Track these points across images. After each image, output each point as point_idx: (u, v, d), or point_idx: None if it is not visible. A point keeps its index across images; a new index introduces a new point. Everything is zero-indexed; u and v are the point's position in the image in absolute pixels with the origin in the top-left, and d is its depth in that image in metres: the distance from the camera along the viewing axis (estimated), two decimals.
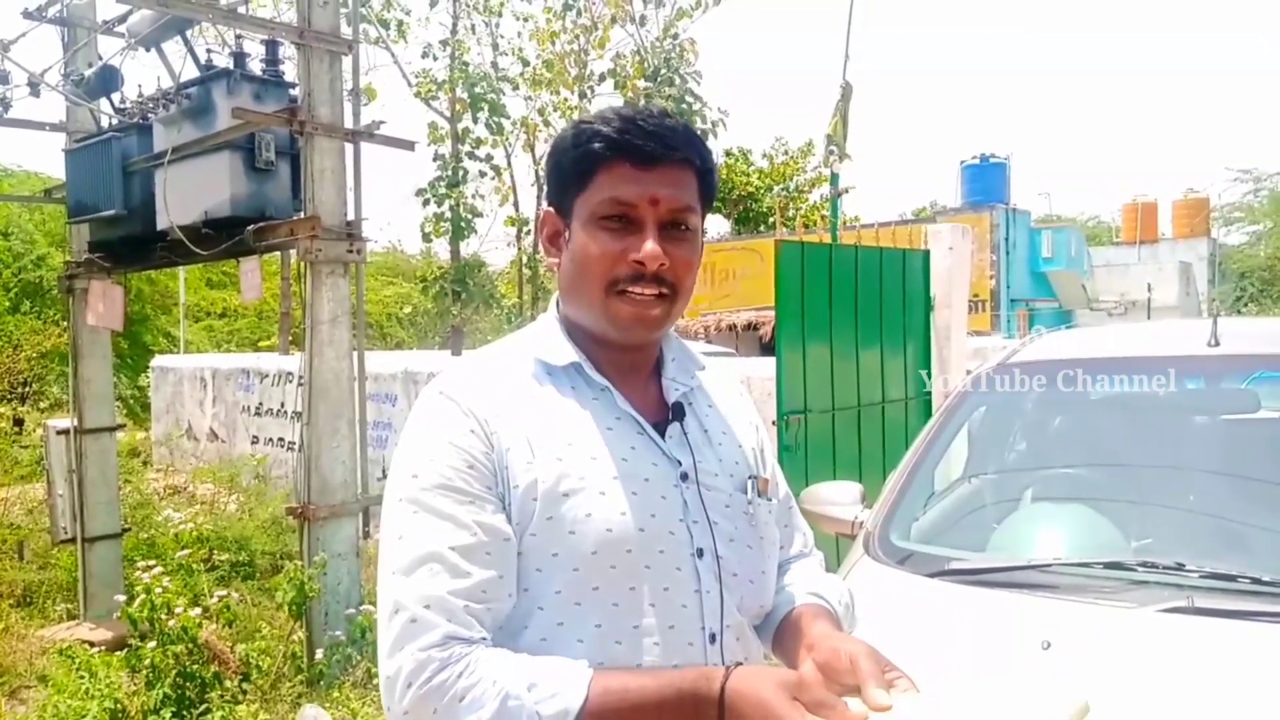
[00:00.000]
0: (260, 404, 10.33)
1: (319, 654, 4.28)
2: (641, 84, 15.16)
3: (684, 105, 15.02)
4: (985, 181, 19.32)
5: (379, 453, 8.24)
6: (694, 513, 1.20)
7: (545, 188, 1.28)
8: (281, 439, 9.74)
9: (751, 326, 15.97)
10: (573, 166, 1.20)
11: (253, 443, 10.25)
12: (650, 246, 1.16)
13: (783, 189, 25.21)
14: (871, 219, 9.53)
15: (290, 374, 9.45)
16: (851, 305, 5.58)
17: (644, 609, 1.14)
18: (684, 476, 1.21)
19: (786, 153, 25.57)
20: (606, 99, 15.85)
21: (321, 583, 4.36)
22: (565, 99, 15.73)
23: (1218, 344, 2.51)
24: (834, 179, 6.82)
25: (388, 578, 1.11)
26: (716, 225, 26.45)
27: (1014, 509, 2.46)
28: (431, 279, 13.42)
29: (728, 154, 25.02)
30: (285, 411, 9.77)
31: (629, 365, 1.26)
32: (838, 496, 2.64)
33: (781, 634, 1.27)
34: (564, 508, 1.13)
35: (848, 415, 5.61)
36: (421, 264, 18.46)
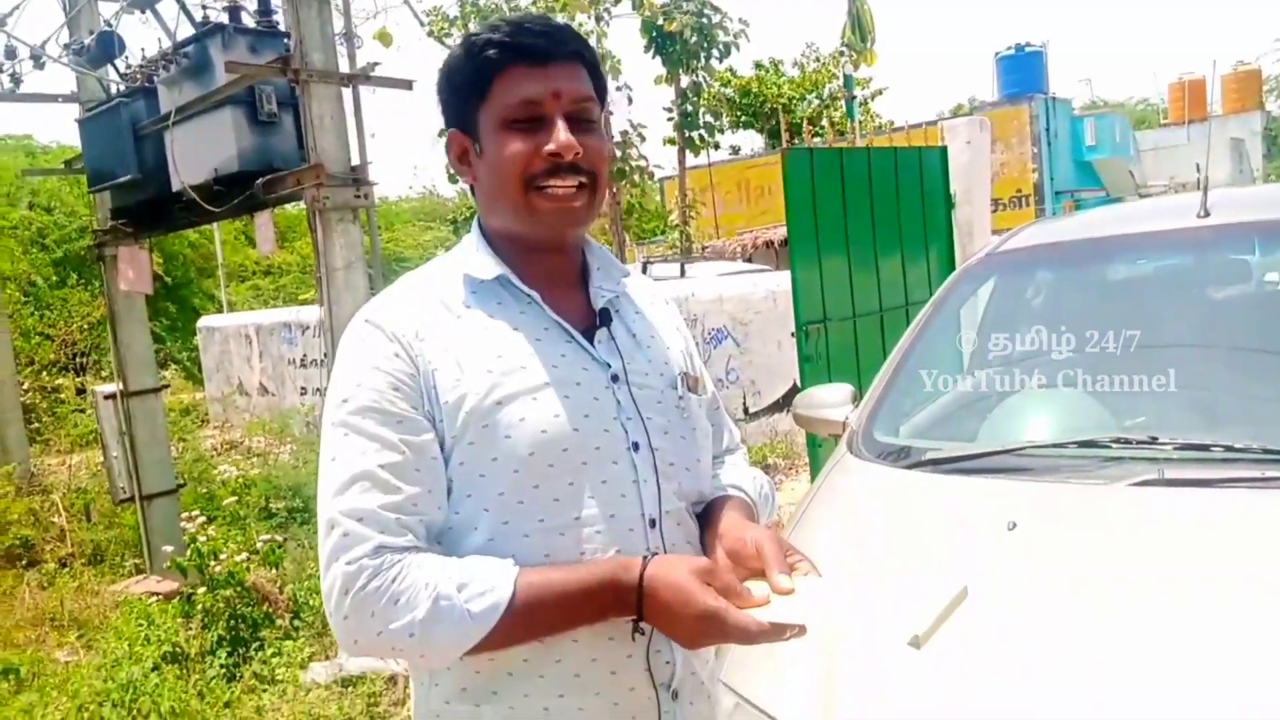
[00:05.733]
0: (305, 355, 10.58)
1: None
2: (659, 1, 14.83)
3: (704, 19, 14.70)
4: (1022, 72, 18.68)
5: None
6: (627, 410, 1.25)
7: (443, 110, 1.29)
8: (325, 389, 9.98)
9: (787, 242, 15.82)
10: (470, 79, 1.22)
11: (301, 394, 10.52)
12: (564, 136, 1.19)
13: (816, 96, 24.61)
14: (907, 121, 9.32)
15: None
16: (867, 210, 5.50)
17: (584, 501, 1.19)
18: (614, 378, 1.26)
19: (818, 59, 24.86)
20: (623, 21, 15.60)
21: None
22: (582, 24, 15.48)
23: (1208, 214, 2.45)
24: (848, 82, 6.68)
25: (324, 498, 1.17)
26: (751, 141, 26.02)
27: (1004, 399, 2.46)
28: (463, 220, 13.45)
29: (758, 66, 24.43)
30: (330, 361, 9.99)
31: (555, 274, 1.29)
32: (829, 398, 2.66)
33: (700, 524, 1.32)
34: (498, 415, 1.18)
35: (870, 321, 5.58)
36: (455, 206, 18.51)
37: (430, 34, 13.40)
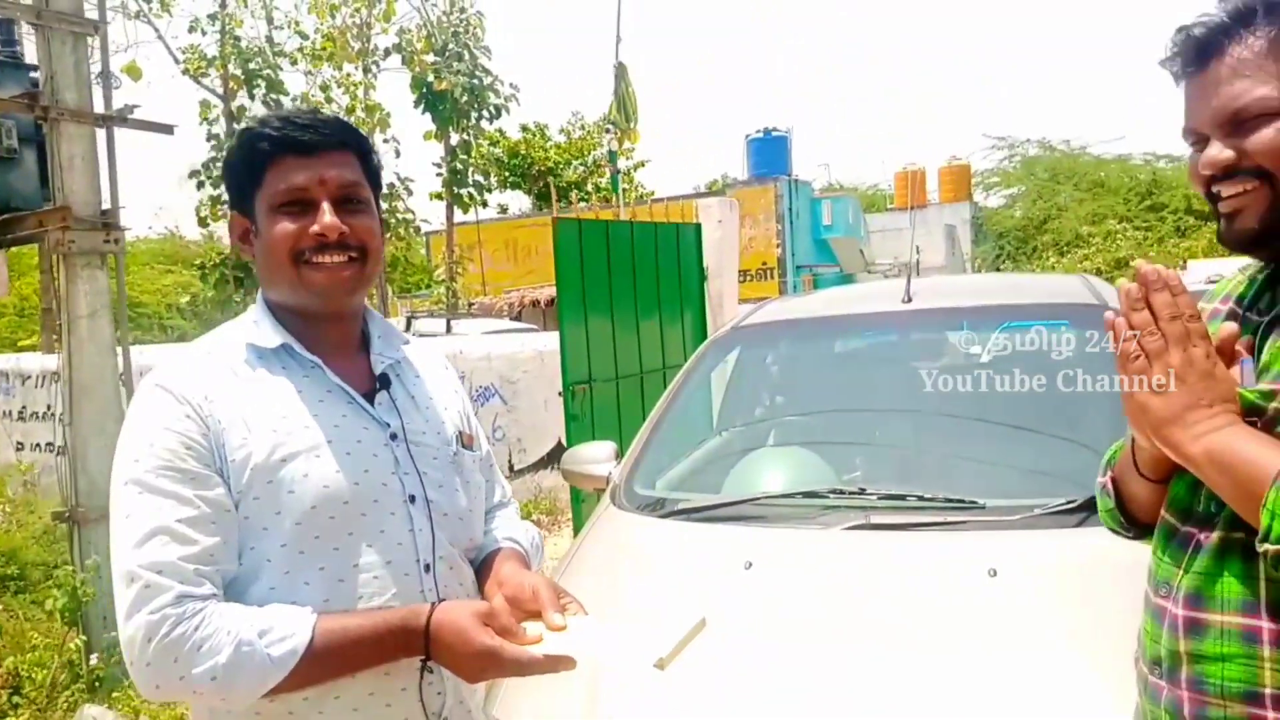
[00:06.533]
0: (24, 408, 9.59)
1: (95, 659, 4.15)
2: (430, 59, 14.92)
3: (475, 81, 14.95)
4: (769, 154, 20.31)
5: None
6: (405, 466, 1.38)
7: (227, 193, 1.41)
8: (50, 444, 9.09)
9: (555, 302, 16.18)
10: (245, 168, 1.35)
11: (18, 449, 9.51)
12: (328, 219, 1.32)
13: (581, 163, 25.49)
14: (667, 191, 9.99)
15: (55, 374, 8.82)
16: (630, 279, 5.87)
17: (362, 550, 1.31)
18: (394, 436, 1.39)
19: (584, 127, 25.81)
20: (393, 75, 15.54)
21: (96, 586, 4.22)
22: (349, 74, 15.29)
23: (910, 300, 2.91)
24: (612, 157, 7.10)
25: (121, 553, 1.22)
26: (518, 202, 26.46)
27: (744, 455, 2.78)
28: (211, 265, 12.76)
29: (524, 129, 24.99)
30: (52, 414, 9.12)
31: (336, 342, 1.41)
32: (594, 455, 2.88)
33: (480, 574, 1.48)
34: (282, 472, 1.28)
35: (631, 382, 5.92)
36: (203, 250, 17.50)
37: (185, 72, 12.80)
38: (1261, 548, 1.02)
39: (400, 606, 1.30)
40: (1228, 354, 1.14)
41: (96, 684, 4.10)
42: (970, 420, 2.46)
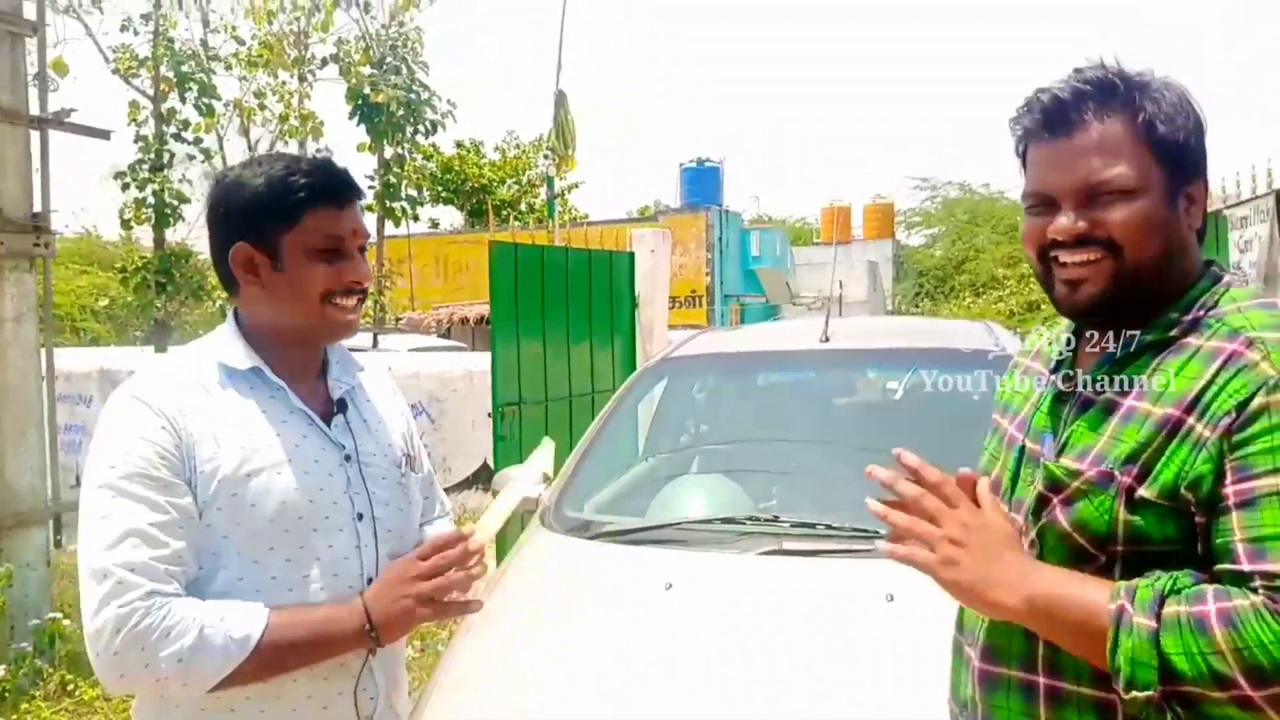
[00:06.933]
0: None
1: (1, 670, 4.08)
2: (367, 71, 14.88)
3: (412, 95, 14.95)
4: (701, 184, 20.67)
5: (72, 458, 7.67)
6: (355, 485, 1.51)
7: (227, 225, 1.49)
8: None
9: (485, 320, 16.18)
10: (275, 208, 1.46)
11: None
12: (364, 268, 1.51)
13: (515, 181, 25.57)
14: (601, 214, 10.15)
15: None
16: (563, 304, 5.99)
17: (311, 562, 1.44)
18: (347, 458, 1.52)
19: (519, 146, 25.92)
20: (329, 85, 15.45)
21: (7, 595, 4.15)
22: (284, 82, 15.16)
23: (828, 340, 3.11)
24: (549, 183, 7.23)
25: (94, 552, 1.32)
26: (450, 217, 26.39)
27: (668, 481, 2.93)
28: (133, 269, 12.47)
29: (459, 145, 24.99)
30: None
31: (301, 366, 1.54)
32: (523, 476, 2.99)
33: None
34: (246, 486, 1.39)
35: (560, 405, 6.03)
36: (121, 252, 17.05)
37: (115, 71, 12.55)
38: (1128, 695, 1.03)
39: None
40: (969, 488, 1.21)
41: (4, 695, 4.03)
42: (878, 453, 2.65)
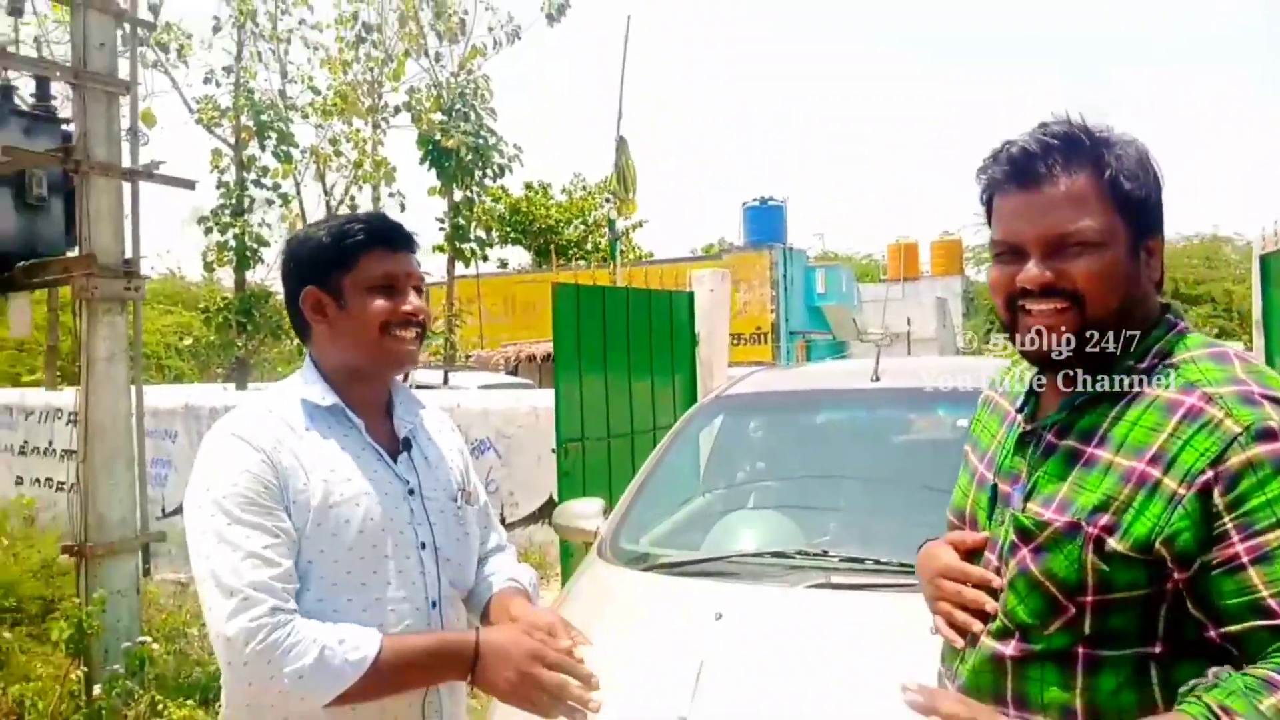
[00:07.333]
0: (25, 442, 9.76)
1: (97, 690, 4.29)
2: (437, 117, 15.35)
3: (480, 140, 15.38)
4: (765, 222, 20.79)
5: (158, 491, 8.02)
6: (419, 517, 1.64)
7: (298, 274, 1.65)
8: (50, 479, 9.24)
9: (551, 358, 16.39)
10: (335, 253, 1.62)
11: (17, 483, 9.65)
12: (417, 301, 1.65)
13: (581, 222, 26.00)
14: (666, 252, 10.28)
15: (59, 410, 9.01)
16: (624, 342, 6.12)
17: (383, 587, 1.57)
18: (411, 491, 1.65)
19: (584, 188, 26.40)
20: (402, 131, 15.97)
21: (101, 620, 4.38)
22: (358, 129, 15.72)
23: (879, 379, 3.16)
24: (611, 225, 7.40)
25: (219, 572, 1.45)
26: (518, 257, 26.91)
27: (722, 516, 3.00)
28: (215, 309, 13.02)
29: (528, 187, 25.53)
30: (54, 450, 9.29)
31: (372, 403, 1.68)
32: (584, 511, 3.10)
33: (489, 609, 1.73)
34: (329, 516, 1.54)
35: (622, 441, 6.14)
36: (204, 292, 17.75)
37: (199, 121, 13.20)
38: None
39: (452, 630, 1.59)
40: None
41: (99, 715, 4.24)
42: (927, 490, 2.69)
